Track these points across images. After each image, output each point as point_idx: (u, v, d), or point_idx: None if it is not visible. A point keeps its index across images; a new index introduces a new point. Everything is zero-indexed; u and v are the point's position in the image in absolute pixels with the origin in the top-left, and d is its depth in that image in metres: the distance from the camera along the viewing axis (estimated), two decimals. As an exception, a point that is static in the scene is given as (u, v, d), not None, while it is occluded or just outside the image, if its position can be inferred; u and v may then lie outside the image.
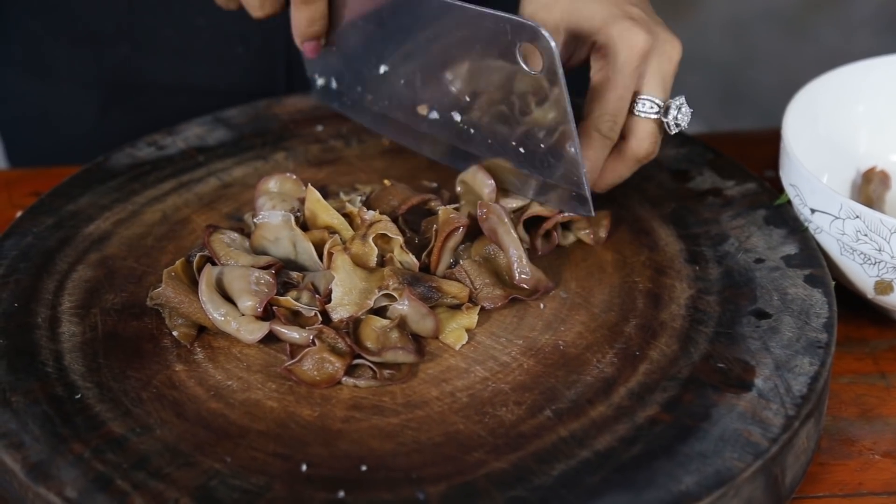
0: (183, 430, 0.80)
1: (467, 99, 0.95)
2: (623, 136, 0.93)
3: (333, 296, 0.87)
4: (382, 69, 1.00)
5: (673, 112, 0.92)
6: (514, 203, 0.95)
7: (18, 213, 1.01)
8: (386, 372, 0.84)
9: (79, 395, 0.83)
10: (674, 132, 0.93)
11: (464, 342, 0.87)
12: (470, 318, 0.88)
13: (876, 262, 0.90)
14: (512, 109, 0.92)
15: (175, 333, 0.87)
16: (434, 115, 0.98)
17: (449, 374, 0.85)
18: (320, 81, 1.07)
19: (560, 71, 0.86)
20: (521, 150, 0.93)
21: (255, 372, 0.85)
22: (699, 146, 1.05)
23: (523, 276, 0.90)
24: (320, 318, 0.86)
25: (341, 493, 0.76)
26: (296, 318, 0.87)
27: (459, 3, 0.91)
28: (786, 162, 0.96)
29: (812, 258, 0.93)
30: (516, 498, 0.75)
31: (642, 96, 0.92)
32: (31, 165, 1.27)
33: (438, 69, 0.96)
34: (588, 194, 0.91)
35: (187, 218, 1.00)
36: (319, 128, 1.10)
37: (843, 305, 0.93)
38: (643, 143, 0.93)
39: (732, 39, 2.73)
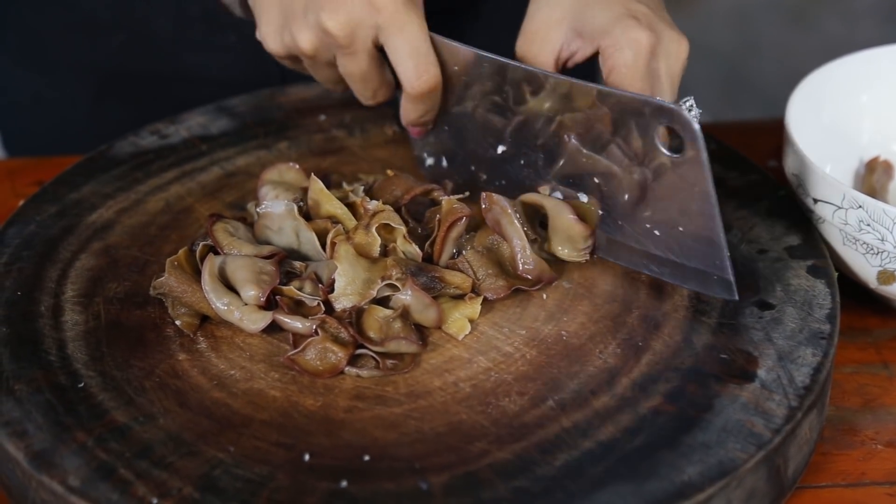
0: (186, 420, 0.80)
1: (596, 181, 0.92)
2: None
3: (336, 286, 0.87)
4: (500, 149, 0.97)
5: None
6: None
7: (21, 202, 1.00)
8: (389, 362, 0.84)
9: (82, 384, 0.83)
10: None
11: (467, 332, 0.87)
12: (473, 308, 0.88)
13: (879, 252, 0.90)
14: (644, 191, 0.89)
15: (178, 323, 0.87)
16: (557, 194, 0.94)
17: (452, 364, 0.85)
18: (430, 161, 1.02)
19: (705, 155, 0.84)
20: (657, 232, 0.89)
21: (258, 361, 0.85)
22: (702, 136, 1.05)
23: (527, 266, 0.90)
24: (323, 308, 0.86)
25: (344, 483, 0.76)
26: (299, 308, 0.87)
27: (585, 83, 0.89)
28: (789, 152, 0.96)
29: (815, 249, 0.93)
30: (519, 488, 0.75)
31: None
32: (26, 154, 1.27)
33: (562, 150, 0.92)
34: (732, 278, 0.87)
35: (190, 207, 1.00)
36: (322, 117, 1.10)
37: (845, 295, 0.93)
38: None
39: (736, 29, 2.73)
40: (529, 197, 0.92)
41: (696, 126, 0.83)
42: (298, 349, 0.84)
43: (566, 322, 0.87)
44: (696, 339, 0.86)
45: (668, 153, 0.86)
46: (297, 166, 0.98)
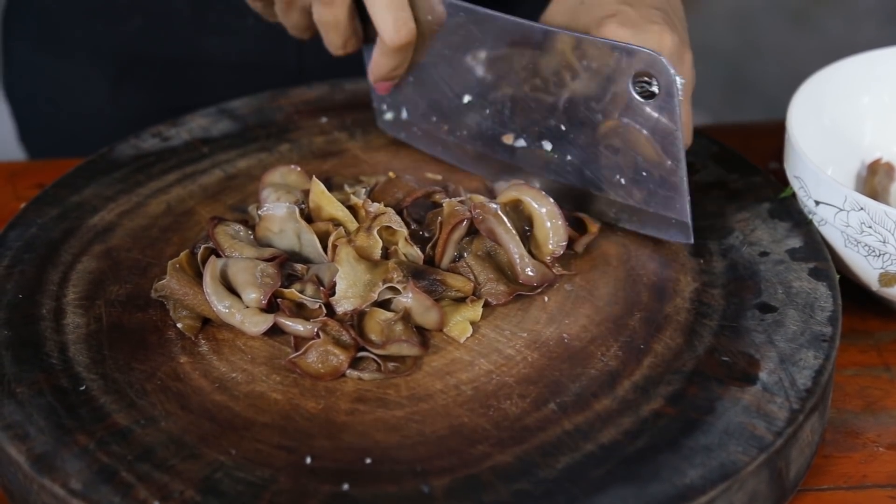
0: (187, 422, 0.80)
1: (563, 128, 0.94)
2: None
3: (337, 288, 0.87)
4: (466, 99, 0.98)
5: None
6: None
7: (22, 205, 1.00)
8: (390, 364, 0.84)
9: (83, 387, 0.83)
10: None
11: (468, 335, 0.87)
12: (474, 310, 0.88)
13: (880, 255, 0.90)
14: (613, 137, 0.91)
15: (179, 325, 0.87)
16: (521, 143, 0.96)
17: (453, 366, 0.85)
18: (388, 115, 1.04)
19: (677, 100, 0.87)
20: (619, 178, 0.92)
21: (259, 364, 0.85)
22: (703, 139, 1.05)
23: (528, 274, 0.89)
24: (325, 311, 0.86)
25: (346, 486, 0.76)
26: (300, 311, 0.87)
27: (562, 30, 0.91)
28: (790, 154, 0.96)
29: (816, 251, 0.93)
30: (521, 491, 0.75)
31: None
32: (44, 138, 1.27)
33: (533, 98, 0.94)
34: (690, 221, 0.91)
35: (192, 209, 1.00)
36: (324, 119, 1.10)
37: (847, 298, 0.93)
38: None
39: (737, 31, 2.73)
40: (509, 195, 0.92)
41: (671, 69, 0.86)
42: (300, 352, 0.84)
43: (567, 325, 0.87)
44: (698, 341, 0.86)
45: (639, 98, 0.88)
46: (299, 168, 0.99)
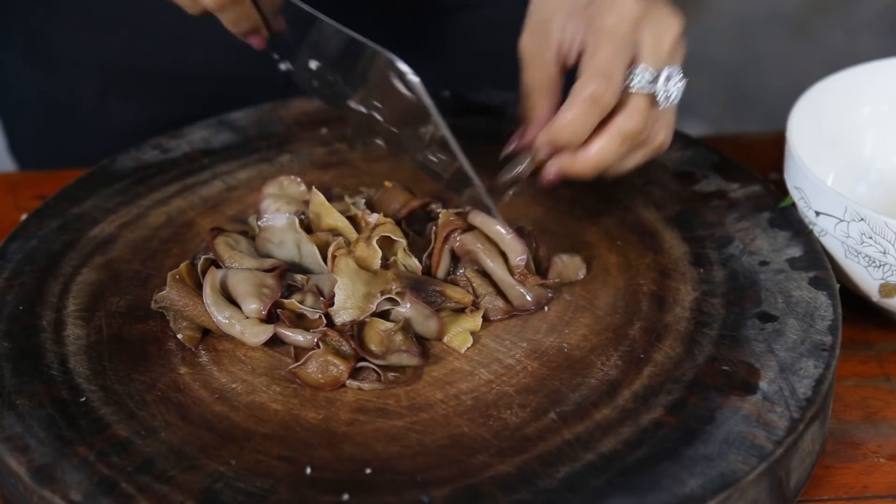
0: (188, 433, 0.80)
1: (379, 106, 0.94)
2: (612, 112, 0.90)
3: (336, 299, 0.87)
4: (314, 65, 0.99)
5: (662, 81, 0.89)
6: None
7: (23, 216, 1.01)
8: (390, 375, 0.84)
9: (84, 398, 0.83)
10: (663, 106, 0.90)
11: (469, 345, 0.86)
12: (474, 321, 0.88)
13: (881, 265, 0.90)
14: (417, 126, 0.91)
15: (180, 336, 0.87)
16: (363, 109, 0.96)
17: (453, 376, 0.84)
18: (283, 66, 1.04)
19: (428, 102, 0.86)
20: (432, 157, 0.92)
21: (259, 375, 0.85)
22: (704, 148, 1.05)
23: (527, 298, 0.89)
24: (325, 321, 0.86)
25: (346, 496, 0.76)
26: (300, 321, 0.87)
27: (345, 30, 0.91)
28: (790, 164, 0.96)
29: (817, 261, 0.93)
30: (521, 501, 0.75)
31: (635, 68, 0.89)
32: (34, 149, 1.26)
33: (354, 77, 0.94)
34: (492, 205, 0.90)
35: (192, 221, 1.00)
36: (324, 130, 1.10)
37: (847, 308, 0.93)
38: (631, 117, 0.89)
39: (737, 42, 2.73)
40: (473, 221, 0.92)
41: (415, 78, 0.85)
42: (300, 362, 0.84)
43: (568, 334, 0.87)
44: (698, 350, 0.86)
45: (408, 93, 0.87)
46: (299, 179, 0.99)
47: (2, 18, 1.28)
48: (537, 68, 0.92)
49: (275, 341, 0.87)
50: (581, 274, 0.92)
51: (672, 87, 0.90)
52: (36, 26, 1.25)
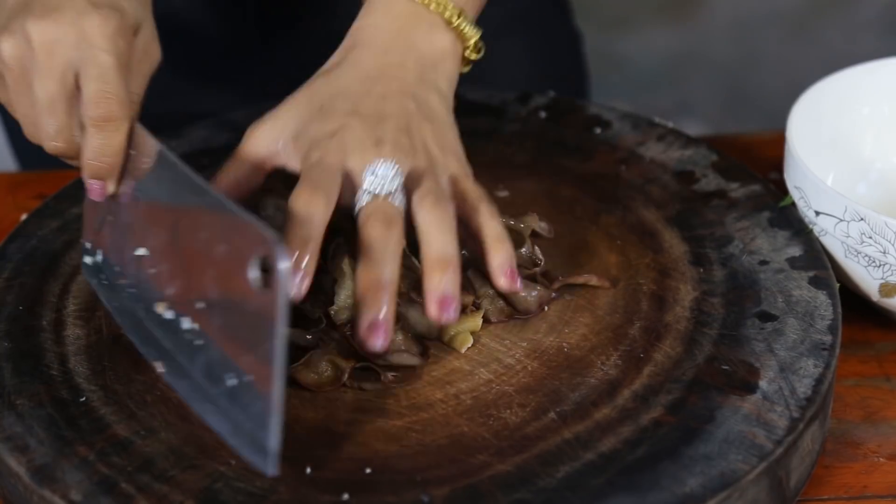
0: (187, 433, 0.80)
1: (201, 305, 0.80)
2: None
3: (336, 299, 0.87)
4: (140, 251, 0.85)
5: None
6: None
7: (23, 216, 1.01)
8: (390, 374, 0.84)
9: (83, 398, 0.83)
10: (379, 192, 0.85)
11: (469, 345, 0.86)
12: (474, 320, 0.88)
13: (881, 265, 0.90)
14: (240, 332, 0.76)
15: (179, 336, 0.87)
16: (170, 315, 0.82)
17: (453, 376, 0.85)
18: (87, 259, 0.91)
19: (282, 308, 0.71)
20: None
21: (259, 374, 0.85)
22: (703, 148, 1.05)
23: (524, 307, 0.89)
24: (324, 321, 0.86)
25: (345, 496, 0.76)
26: (299, 321, 0.87)
27: (207, 187, 0.80)
28: (790, 164, 0.96)
29: (817, 260, 0.93)
30: (520, 500, 0.75)
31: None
32: (32, 151, 1.26)
33: (185, 263, 0.81)
34: (273, 447, 0.74)
35: (192, 221, 1.00)
36: (324, 130, 1.10)
37: (847, 308, 0.93)
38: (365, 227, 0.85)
39: (736, 41, 2.73)
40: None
41: (285, 263, 0.71)
42: (299, 362, 0.84)
43: (567, 334, 0.87)
44: (698, 350, 0.86)
45: (260, 288, 0.74)
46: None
47: None
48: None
49: (275, 341, 0.86)
50: (543, 227, 0.93)
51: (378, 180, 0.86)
52: None
